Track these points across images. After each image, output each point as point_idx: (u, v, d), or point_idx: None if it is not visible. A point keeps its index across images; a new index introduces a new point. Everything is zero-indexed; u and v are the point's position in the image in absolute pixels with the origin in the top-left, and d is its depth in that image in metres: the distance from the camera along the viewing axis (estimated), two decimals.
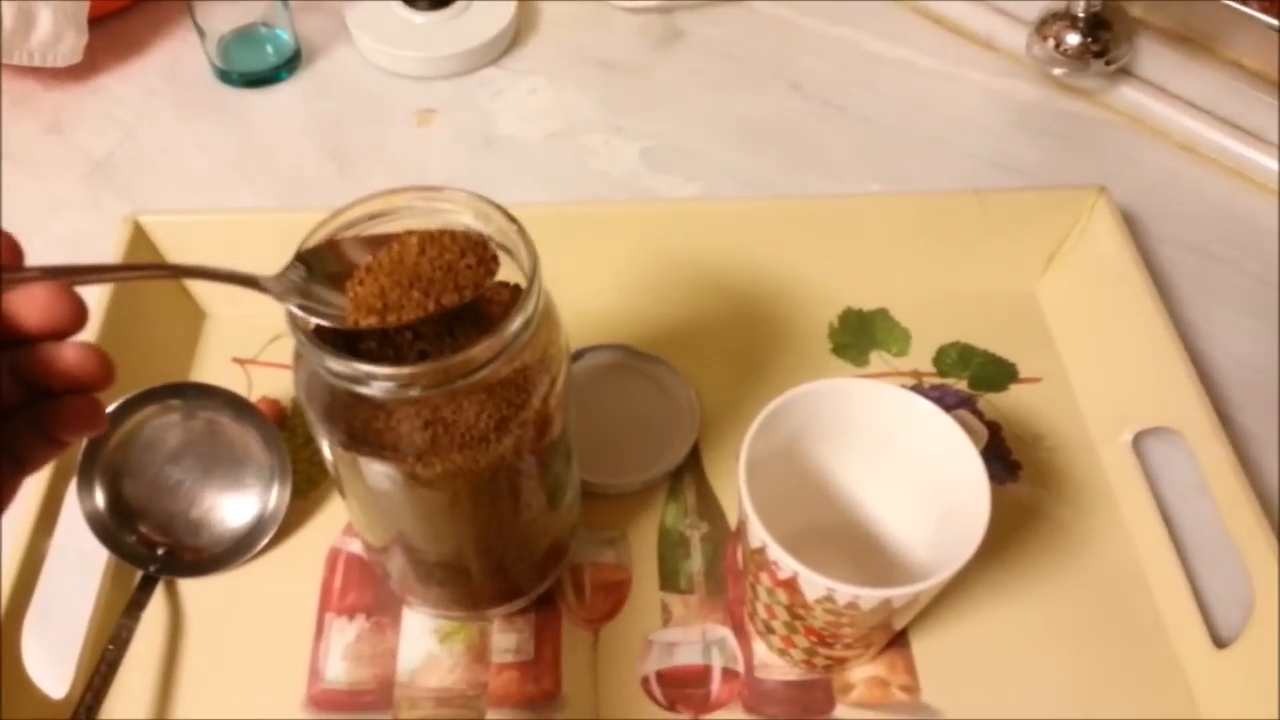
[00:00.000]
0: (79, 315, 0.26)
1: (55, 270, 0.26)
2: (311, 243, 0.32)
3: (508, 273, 0.34)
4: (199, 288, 0.53)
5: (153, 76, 0.67)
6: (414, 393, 0.30)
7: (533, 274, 0.31)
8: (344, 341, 0.33)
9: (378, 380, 0.30)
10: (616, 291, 0.53)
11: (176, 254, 0.52)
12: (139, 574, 0.43)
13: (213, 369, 0.51)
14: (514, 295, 0.35)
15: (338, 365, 0.30)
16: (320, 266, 0.32)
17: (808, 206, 0.53)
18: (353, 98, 0.66)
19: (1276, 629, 0.38)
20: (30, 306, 0.25)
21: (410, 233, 0.33)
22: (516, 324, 0.31)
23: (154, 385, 0.44)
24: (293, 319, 0.31)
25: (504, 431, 0.33)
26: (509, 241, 0.33)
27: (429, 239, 0.33)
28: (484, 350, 0.30)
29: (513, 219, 0.33)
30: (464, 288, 0.32)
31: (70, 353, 0.26)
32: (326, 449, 0.34)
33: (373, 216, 0.33)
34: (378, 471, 0.33)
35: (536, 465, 0.36)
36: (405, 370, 0.30)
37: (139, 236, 0.50)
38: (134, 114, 0.65)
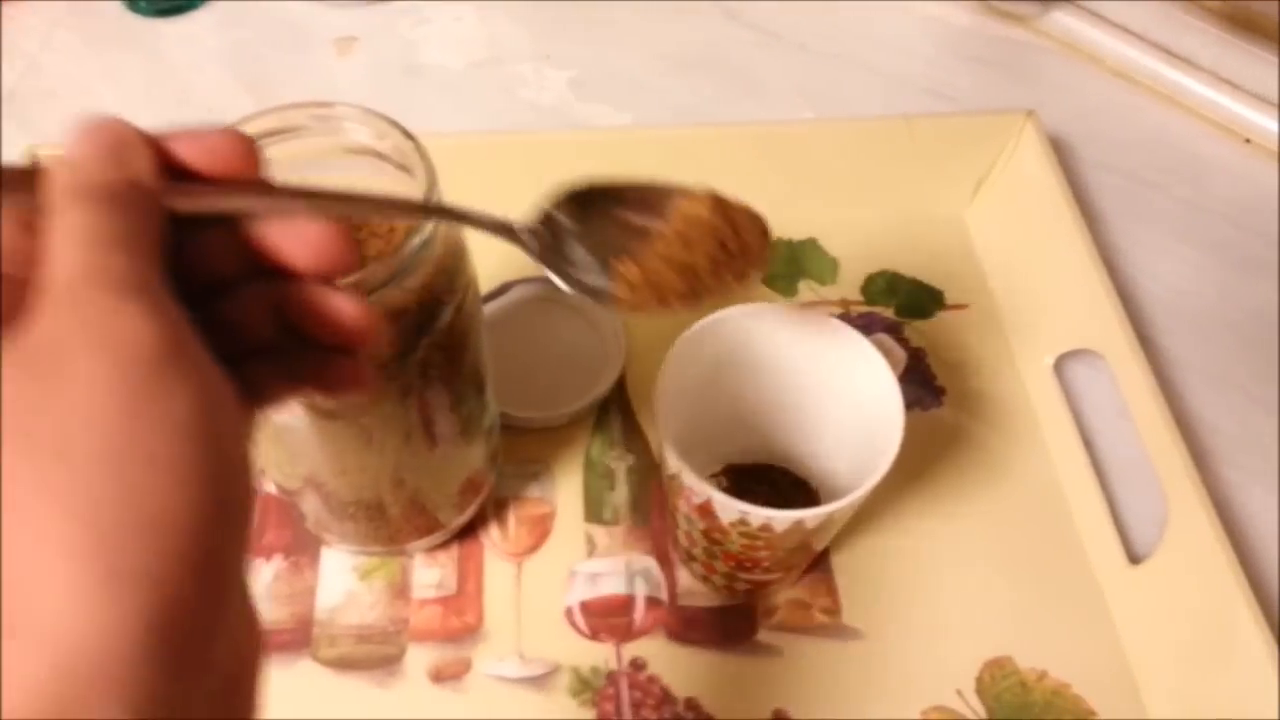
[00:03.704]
0: (354, 260, 0.23)
1: (288, 191, 0.23)
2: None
3: (414, 195, 0.32)
4: None
5: (58, 5, 0.64)
6: None
7: (429, 193, 0.30)
8: None
9: None
10: None
11: None
12: None
13: None
14: None
15: None
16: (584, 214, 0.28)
17: (735, 133, 0.52)
18: (269, 26, 0.63)
19: (1188, 546, 0.39)
20: (299, 244, 0.23)
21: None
22: (413, 244, 0.30)
23: None
24: None
25: (406, 359, 0.32)
26: (407, 161, 0.32)
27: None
28: (378, 271, 0.29)
29: (410, 136, 0.31)
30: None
31: (346, 307, 0.23)
32: None
33: (265, 135, 0.32)
34: None
35: (447, 396, 0.35)
36: None
37: None
38: (38, 45, 0.62)
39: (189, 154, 0.22)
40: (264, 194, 0.23)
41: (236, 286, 0.23)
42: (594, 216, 0.28)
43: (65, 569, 0.16)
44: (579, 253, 0.28)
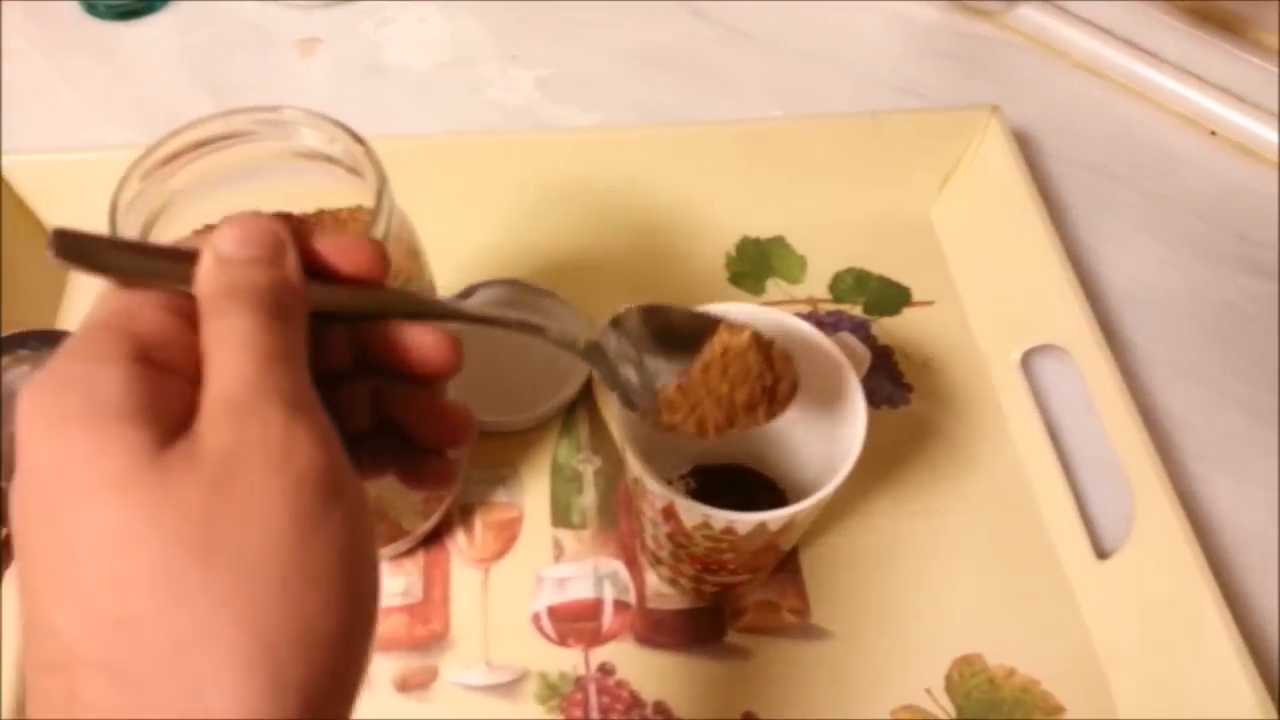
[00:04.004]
0: (459, 362, 0.25)
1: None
2: (141, 172, 0.30)
3: (366, 199, 0.32)
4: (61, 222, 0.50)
5: (14, 10, 0.63)
6: None
7: (379, 196, 0.30)
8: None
9: None
10: (508, 225, 0.52)
11: (41, 197, 0.49)
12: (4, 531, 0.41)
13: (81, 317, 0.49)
14: None
15: None
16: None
17: (703, 132, 0.52)
18: (231, 28, 0.62)
19: (1155, 541, 0.39)
20: (414, 347, 0.24)
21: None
22: None
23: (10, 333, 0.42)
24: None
25: None
26: (358, 164, 0.31)
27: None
28: None
29: (360, 139, 0.31)
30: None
31: (450, 412, 0.25)
32: None
33: (212, 140, 0.31)
34: None
35: None
36: None
37: None
38: None
39: (327, 253, 0.23)
40: (391, 299, 0.24)
41: (345, 378, 0.24)
42: (643, 338, 0.30)
43: (236, 675, 0.17)
44: (628, 370, 0.29)
